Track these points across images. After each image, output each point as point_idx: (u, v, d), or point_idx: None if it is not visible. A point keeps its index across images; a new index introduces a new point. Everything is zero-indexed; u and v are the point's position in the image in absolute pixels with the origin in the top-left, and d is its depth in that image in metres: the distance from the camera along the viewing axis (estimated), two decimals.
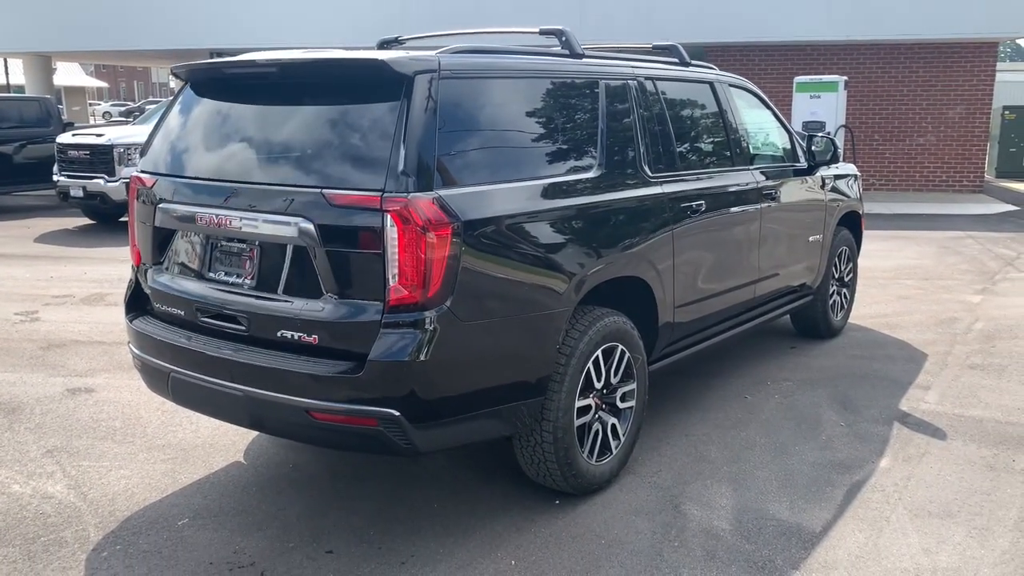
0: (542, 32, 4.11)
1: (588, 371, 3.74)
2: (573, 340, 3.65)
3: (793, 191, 5.59)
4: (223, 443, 4.50)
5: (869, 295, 7.89)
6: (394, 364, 3.04)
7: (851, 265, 6.61)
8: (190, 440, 4.55)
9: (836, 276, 6.40)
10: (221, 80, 3.68)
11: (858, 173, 6.85)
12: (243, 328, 3.37)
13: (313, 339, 3.19)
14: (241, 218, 3.32)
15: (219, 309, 3.44)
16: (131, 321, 3.81)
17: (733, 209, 4.86)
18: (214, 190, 3.44)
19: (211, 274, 3.54)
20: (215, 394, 3.38)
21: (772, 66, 16.77)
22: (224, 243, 3.48)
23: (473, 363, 3.25)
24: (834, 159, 5.79)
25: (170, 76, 3.68)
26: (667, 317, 4.31)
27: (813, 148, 5.71)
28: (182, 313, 3.61)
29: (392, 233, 3.01)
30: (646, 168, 4.15)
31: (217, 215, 3.40)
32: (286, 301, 3.28)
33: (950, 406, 5.04)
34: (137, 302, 3.90)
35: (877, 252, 10.11)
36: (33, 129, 14.29)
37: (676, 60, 4.88)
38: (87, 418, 4.87)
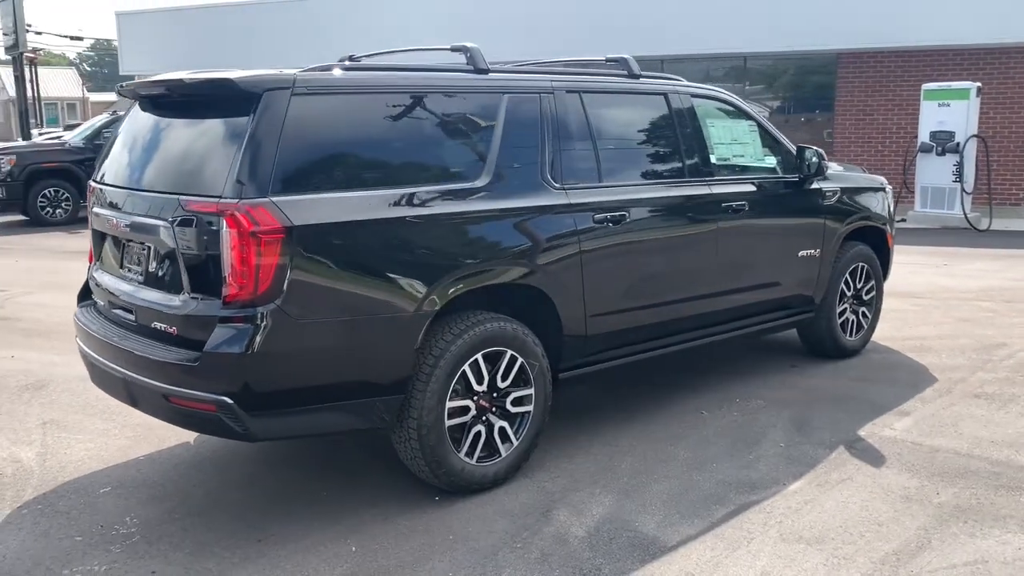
0: (452, 49, 4.29)
1: (464, 374, 3.88)
2: (444, 343, 3.81)
3: (773, 203, 5.44)
4: None
5: (928, 316, 7.43)
6: (225, 355, 3.34)
7: (872, 283, 6.27)
8: (158, 421, 5.05)
9: (850, 294, 6.10)
10: (140, 97, 4.12)
11: (887, 186, 6.49)
12: (133, 319, 3.78)
13: (173, 330, 3.55)
14: (131, 221, 3.74)
15: (122, 301, 3.88)
16: (75, 313, 4.33)
17: (676, 220, 4.81)
18: (121, 196, 3.88)
19: (122, 270, 3.99)
20: (111, 377, 3.81)
21: (908, 73, 15.81)
22: (130, 243, 3.92)
23: (309, 359, 3.49)
24: (818, 172, 5.55)
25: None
26: (576, 328, 4.35)
27: (804, 160, 5.50)
28: (105, 304, 4.08)
29: (226, 235, 3.31)
30: (551, 178, 4.23)
31: (119, 218, 3.84)
32: (159, 295, 3.67)
33: (916, 434, 4.74)
34: (86, 297, 4.43)
35: (970, 272, 9.41)
36: None
37: (625, 72, 4.89)
38: (93, 398, 5.47)
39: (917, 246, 10.90)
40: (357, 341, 3.59)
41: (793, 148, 5.61)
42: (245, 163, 3.35)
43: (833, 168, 6.21)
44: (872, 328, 6.40)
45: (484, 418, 4.03)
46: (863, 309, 6.28)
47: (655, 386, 5.59)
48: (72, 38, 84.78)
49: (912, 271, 9.69)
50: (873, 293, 6.32)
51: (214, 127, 3.57)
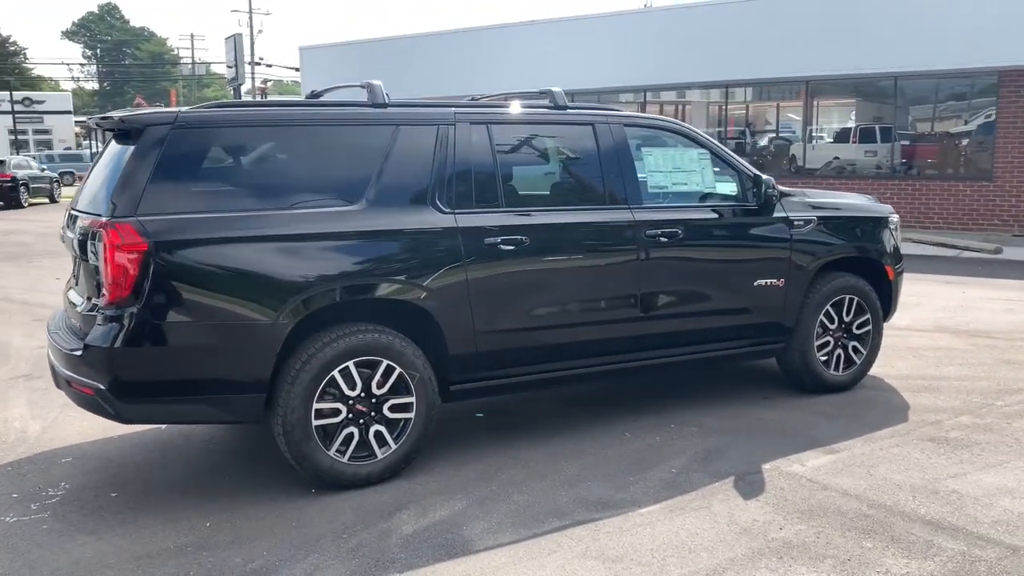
0: (361, 86, 4.75)
1: (334, 378, 4.30)
2: (313, 349, 4.26)
3: (719, 231, 5.43)
4: None
5: (972, 356, 6.99)
6: (98, 348, 3.98)
7: (866, 317, 6.01)
8: None
9: (833, 327, 5.90)
10: (104, 130, 4.87)
11: (890, 216, 6.20)
12: (74, 321, 4.52)
13: (79, 326, 4.25)
14: (75, 239, 4.46)
15: (72, 307, 4.64)
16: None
17: (587, 245, 4.97)
18: (72, 217, 4.64)
19: (75, 279, 4.76)
20: (54, 370, 4.55)
21: None
22: (76, 258, 4.66)
23: (170, 356, 4.05)
24: (766, 201, 5.44)
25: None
26: (464, 345, 4.64)
27: (762, 190, 5.44)
28: (66, 313, 4.86)
29: (101, 247, 3.96)
30: (439, 203, 4.57)
31: (68, 235, 4.60)
32: (79, 299, 4.39)
33: (822, 473, 4.60)
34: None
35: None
36: None
37: (550, 104, 5.13)
38: None
39: None
40: (217, 343, 4.12)
41: (759, 178, 5.55)
42: (120, 186, 3.99)
43: (818, 197, 6.06)
44: (867, 364, 6.12)
45: (361, 421, 4.42)
46: (854, 344, 6.03)
47: (600, 403, 5.73)
48: (296, 69, 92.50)
49: (1007, 307, 8.97)
50: (869, 328, 6.05)
51: (120, 155, 4.24)
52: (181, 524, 4.10)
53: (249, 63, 56.43)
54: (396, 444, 4.51)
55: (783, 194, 5.70)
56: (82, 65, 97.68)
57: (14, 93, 47.39)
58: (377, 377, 4.42)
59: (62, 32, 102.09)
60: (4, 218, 23.18)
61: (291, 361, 4.24)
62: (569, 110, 5.15)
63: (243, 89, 38.29)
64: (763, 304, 5.58)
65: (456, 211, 4.61)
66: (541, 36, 19.75)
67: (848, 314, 5.96)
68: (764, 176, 5.47)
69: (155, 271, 3.97)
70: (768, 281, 5.57)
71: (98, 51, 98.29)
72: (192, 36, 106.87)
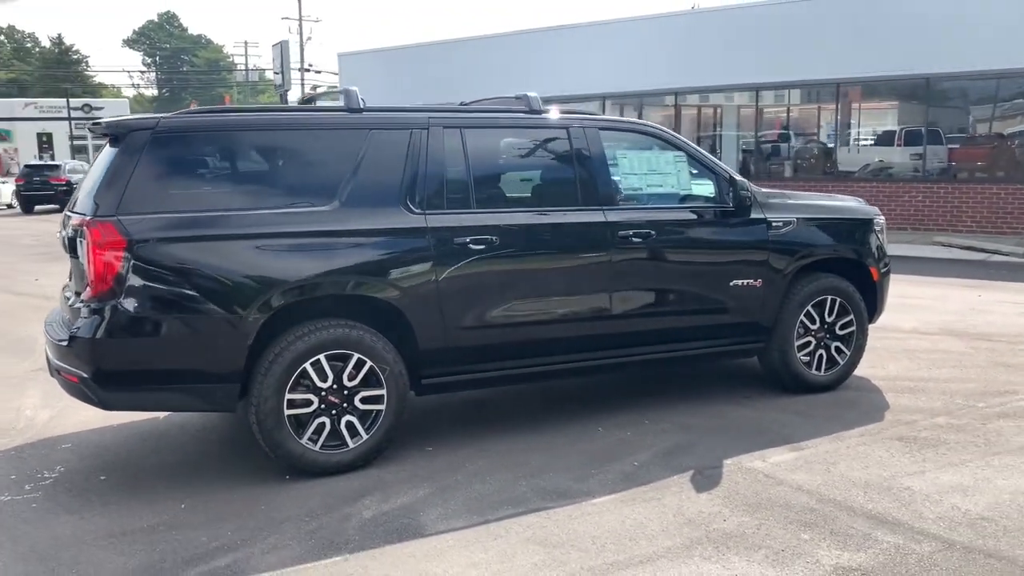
0: (339, 92, 4.98)
1: (306, 370, 4.53)
2: (285, 342, 4.49)
3: (693, 231, 5.54)
4: None
5: (971, 359, 6.97)
6: (81, 339, 4.26)
7: (849, 318, 6.06)
8: None
9: (815, 327, 5.96)
10: (98, 135, 5.17)
11: (875, 218, 6.24)
12: (66, 315, 4.81)
13: (68, 319, 4.54)
14: (64, 236, 4.77)
15: (65, 301, 4.94)
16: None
17: (559, 244, 5.13)
18: (68, 217, 4.94)
19: (70, 276, 5.06)
20: (49, 362, 4.84)
21: None
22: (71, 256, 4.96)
23: (148, 347, 4.32)
24: (739, 203, 5.53)
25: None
26: (436, 340, 4.83)
27: (736, 191, 5.54)
28: (61, 306, 5.17)
29: (85, 244, 4.24)
30: (410, 204, 4.77)
31: (61, 234, 4.90)
32: (71, 294, 4.68)
33: (781, 468, 4.70)
34: None
35: None
36: None
37: (526, 109, 5.30)
38: None
39: None
40: (193, 335, 4.37)
41: (734, 180, 5.64)
42: (103, 187, 4.27)
43: (800, 199, 6.13)
44: (851, 364, 6.16)
45: (333, 412, 4.64)
46: (837, 344, 6.08)
47: (577, 401, 5.88)
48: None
49: (1020, 311, 8.88)
50: (852, 328, 6.09)
51: (107, 159, 4.52)
52: (158, 506, 4.36)
53: (298, 69, 57.57)
54: (367, 434, 4.71)
55: (762, 196, 5.79)
56: (142, 72, 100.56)
57: (74, 100, 49.07)
58: (348, 370, 4.63)
59: (123, 40, 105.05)
60: (58, 221, 24.01)
61: (265, 353, 4.48)
62: (544, 115, 5.32)
63: (293, 95, 39.09)
64: (740, 304, 5.67)
65: (427, 212, 4.81)
66: (572, 39, 19.89)
67: (831, 315, 6.02)
68: (739, 178, 5.56)
69: (134, 267, 4.23)
70: (745, 281, 5.66)
71: (157, 58, 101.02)
72: (246, 43, 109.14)
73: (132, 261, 4.23)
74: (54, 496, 4.52)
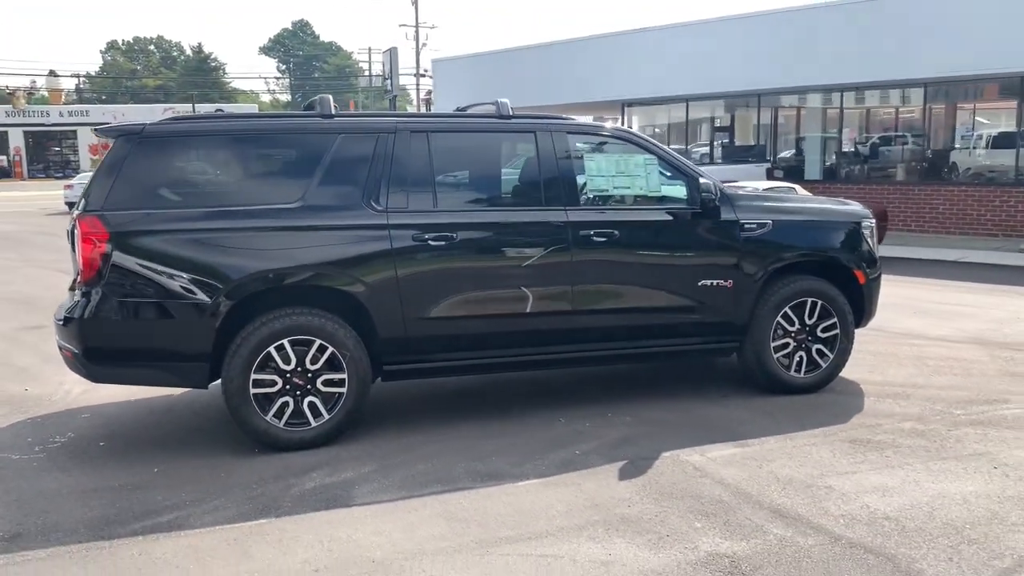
0: (315, 99, 5.41)
1: (270, 354, 4.98)
2: (251, 327, 4.96)
3: (659, 232, 5.69)
4: None
5: (975, 367, 6.79)
6: (72, 319, 4.85)
7: (832, 320, 6.06)
8: None
9: (794, 329, 6.00)
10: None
11: (863, 221, 6.20)
12: (67, 299, 5.43)
13: (68, 303, 5.15)
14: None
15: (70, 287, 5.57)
16: None
17: (518, 242, 5.39)
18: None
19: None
20: (57, 340, 5.48)
21: None
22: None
23: (127, 328, 4.86)
24: (702, 204, 5.63)
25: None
26: (394, 329, 5.20)
27: (699, 194, 5.66)
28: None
29: (76, 236, 4.83)
30: (373, 203, 5.16)
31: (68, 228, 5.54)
32: (71, 280, 5.30)
33: (717, 463, 4.82)
34: None
35: None
36: None
37: (496, 114, 5.60)
38: None
39: None
40: (166, 318, 4.89)
41: (698, 182, 5.75)
42: (93, 186, 4.85)
43: (779, 201, 6.17)
44: (835, 367, 6.15)
45: (297, 393, 5.08)
46: (819, 347, 6.09)
47: (550, 393, 6.12)
48: None
49: None
50: (836, 332, 6.09)
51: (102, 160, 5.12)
52: (135, 469, 4.90)
53: (414, 75, 59.40)
54: (329, 415, 5.12)
55: (737, 198, 5.88)
56: (277, 79, 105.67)
57: (209, 105, 52.21)
58: (311, 354, 5.05)
59: (259, 48, 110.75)
60: None
61: (233, 336, 4.96)
62: (512, 119, 5.60)
63: (410, 100, 40.09)
64: (710, 304, 5.78)
65: (389, 210, 5.18)
66: (674, 39, 19.82)
67: (811, 317, 6.03)
68: (703, 180, 5.67)
69: (116, 257, 4.79)
70: (714, 282, 5.76)
71: (291, 65, 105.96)
72: (369, 49, 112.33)
73: (114, 251, 4.79)
74: (55, 457, 5.14)
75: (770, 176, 17.27)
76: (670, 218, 5.75)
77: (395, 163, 5.24)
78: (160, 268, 4.87)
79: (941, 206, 16.76)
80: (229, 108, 57.35)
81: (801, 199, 6.62)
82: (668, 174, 5.85)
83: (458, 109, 6.35)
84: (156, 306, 4.89)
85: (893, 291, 10.53)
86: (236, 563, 3.78)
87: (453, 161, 5.47)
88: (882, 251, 13.84)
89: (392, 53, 35.42)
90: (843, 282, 6.12)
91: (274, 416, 5.05)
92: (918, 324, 8.47)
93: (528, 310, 5.46)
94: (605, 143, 5.80)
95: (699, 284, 5.75)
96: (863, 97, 19.10)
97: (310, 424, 5.10)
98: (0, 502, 4.48)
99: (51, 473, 4.88)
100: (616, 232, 5.55)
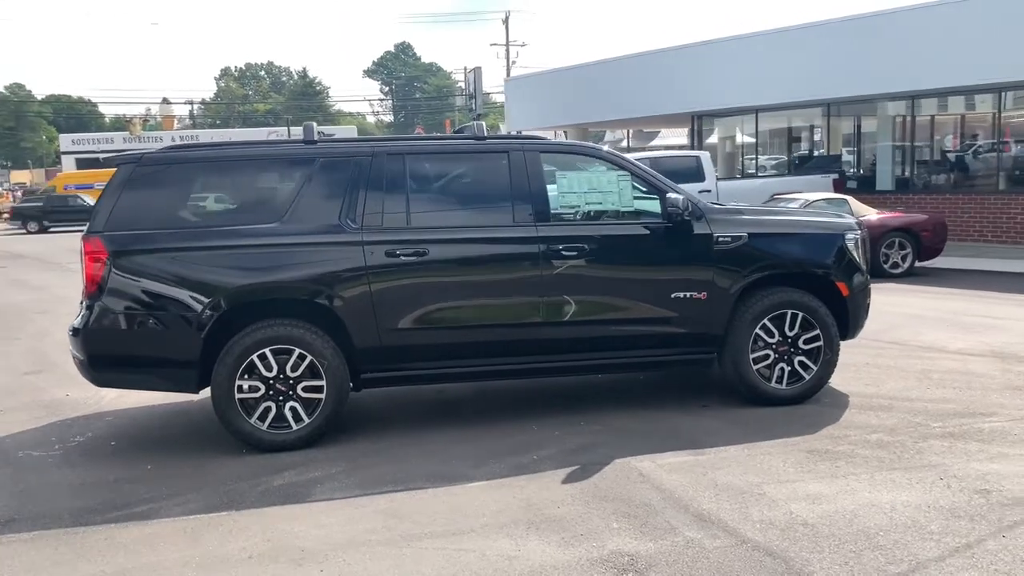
0: (301, 126, 5.85)
1: (253, 362, 5.42)
2: (236, 338, 5.41)
3: (630, 246, 5.86)
4: None
5: (980, 381, 6.66)
6: (78, 329, 5.41)
7: (814, 332, 6.09)
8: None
9: (777, 341, 6.06)
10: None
11: (846, 233, 6.22)
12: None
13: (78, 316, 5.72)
14: None
15: None
16: None
17: (488, 257, 5.68)
18: None
19: None
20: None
21: None
22: None
23: (124, 337, 5.38)
24: (669, 219, 5.77)
25: None
26: (369, 340, 5.56)
27: (667, 208, 5.81)
28: None
29: (82, 254, 5.40)
30: (349, 221, 5.54)
31: None
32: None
33: (664, 470, 4.96)
34: None
35: None
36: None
37: (471, 136, 5.91)
38: None
39: None
40: (157, 329, 5.39)
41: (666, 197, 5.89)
42: (97, 209, 5.40)
43: (758, 214, 6.26)
44: (819, 379, 6.17)
45: (280, 398, 5.49)
46: (801, 358, 6.13)
47: (532, 402, 6.35)
48: None
49: None
50: (824, 343, 6.11)
51: None
52: (131, 465, 5.40)
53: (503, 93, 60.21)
54: (309, 419, 5.51)
55: (712, 211, 6.01)
56: (380, 100, 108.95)
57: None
58: (291, 362, 5.46)
59: (363, 71, 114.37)
60: None
61: (219, 345, 5.41)
62: (487, 140, 5.90)
63: (503, 117, 40.85)
64: (684, 315, 5.91)
65: (364, 227, 5.55)
66: (743, 50, 19.75)
67: (791, 329, 6.08)
68: (670, 195, 5.81)
69: (114, 273, 5.32)
70: (688, 294, 5.89)
71: (393, 86, 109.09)
72: (465, 69, 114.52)
73: (112, 268, 5.32)
74: (69, 454, 5.70)
75: (837, 188, 16.92)
76: (642, 232, 5.92)
77: (371, 184, 5.61)
78: (153, 283, 5.37)
79: (1020, 216, 16.12)
80: (331, 130, 59.89)
81: (781, 212, 6.65)
82: (644, 189, 6.01)
83: (456, 131, 6.68)
84: (149, 317, 5.40)
85: (937, 304, 10.33)
86: (183, 548, 4.18)
87: (427, 181, 5.81)
88: (943, 263, 13.64)
89: (476, 73, 36.10)
90: (826, 294, 6.14)
91: (258, 420, 5.47)
92: (942, 337, 8.29)
93: (497, 322, 5.73)
94: (577, 161, 6.02)
95: (672, 296, 5.89)
96: (946, 104, 18.54)
97: (291, 428, 5.50)
98: (8, 492, 5.04)
99: (60, 468, 5.43)
100: (585, 246, 5.76)
